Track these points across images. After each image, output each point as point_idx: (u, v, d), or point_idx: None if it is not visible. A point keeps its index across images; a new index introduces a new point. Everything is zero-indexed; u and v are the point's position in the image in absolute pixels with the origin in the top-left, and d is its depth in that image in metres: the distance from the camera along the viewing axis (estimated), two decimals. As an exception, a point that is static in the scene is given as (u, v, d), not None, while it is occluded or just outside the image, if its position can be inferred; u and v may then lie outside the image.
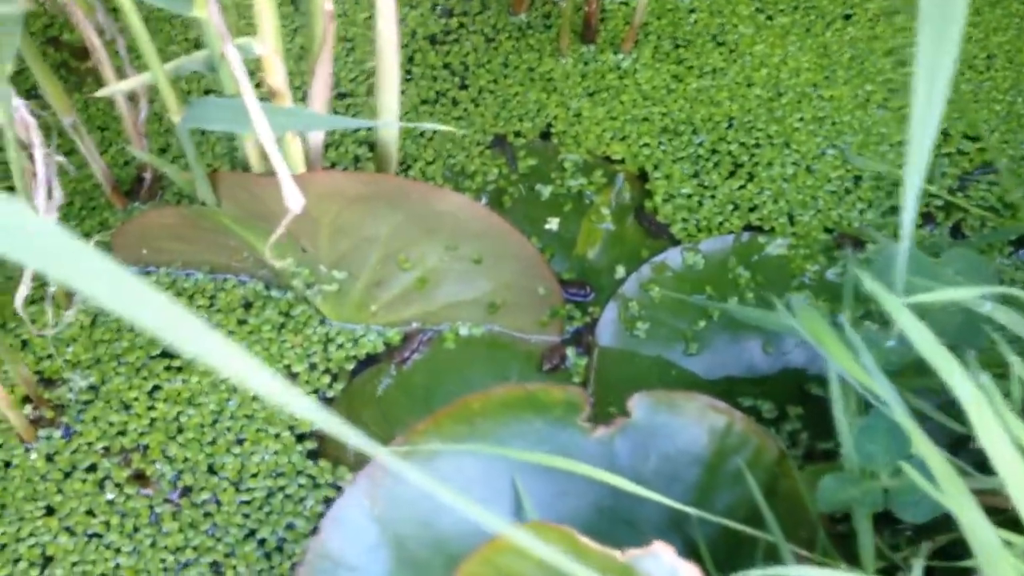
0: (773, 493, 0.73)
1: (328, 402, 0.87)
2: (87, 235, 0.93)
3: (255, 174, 0.80)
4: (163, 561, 0.80)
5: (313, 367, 0.88)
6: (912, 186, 0.46)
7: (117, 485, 0.83)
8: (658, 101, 1.04)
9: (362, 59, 1.06)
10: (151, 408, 0.86)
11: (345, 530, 0.70)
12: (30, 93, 0.97)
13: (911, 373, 0.76)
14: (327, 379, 0.88)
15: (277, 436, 0.85)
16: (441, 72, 1.06)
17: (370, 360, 0.89)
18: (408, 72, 1.06)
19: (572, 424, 0.73)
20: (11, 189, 0.94)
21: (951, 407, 0.79)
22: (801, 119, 1.03)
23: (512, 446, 0.72)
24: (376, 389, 0.88)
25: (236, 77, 0.67)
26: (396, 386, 0.88)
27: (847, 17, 1.11)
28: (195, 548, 0.81)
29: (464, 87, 1.05)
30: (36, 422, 0.85)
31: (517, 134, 1.02)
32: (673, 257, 0.95)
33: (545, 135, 1.02)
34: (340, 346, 0.89)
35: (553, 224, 0.97)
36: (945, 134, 1.03)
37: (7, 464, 0.84)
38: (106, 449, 0.84)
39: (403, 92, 1.03)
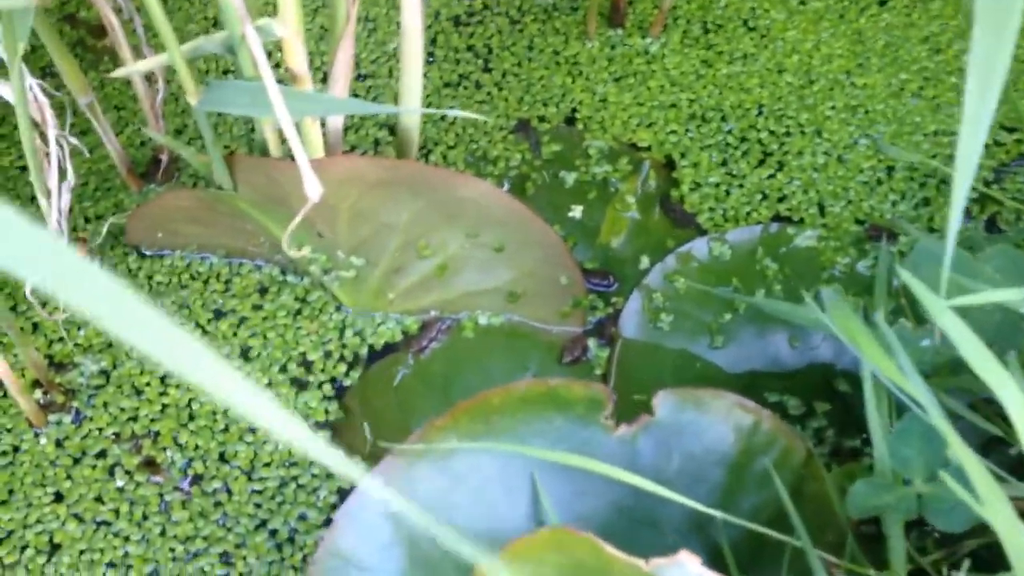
0: (800, 495, 0.70)
1: (344, 391, 0.85)
2: (101, 217, 0.91)
3: (273, 158, 0.78)
4: (172, 551, 0.79)
5: (328, 355, 0.86)
6: (962, 185, 0.44)
7: (127, 472, 0.81)
8: (686, 87, 1.02)
9: (384, 40, 1.04)
10: (163, 394, 0.84)
11: (358, 528, 0.69)
12: (45, 71, 0.95)
13: (945, 372, 0.73)
14: (343, 367, 0.86)
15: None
16: (464, 54, 1.04)
17: (387, 348, 0.87)
18: (431, 54, 1.03)
19: (594, 422, 0.71)
20: (23, 169, 0.93)
21: (984, 406, 0.77)
22: (833, 107, 1.00)
23: (531, 444, 0.70)
24: (393, 378, 0.86)
25: (255, 59, 0.64)
26: (413, 375, 0.87)
27: (882, 3, 1.08)
28: (205, 538, 0.79)
29: (488, 70, 1.03)
30: (46, 407, 0.83)
31: (541, 119, 1.00)
32: (699, 247, 0.92)
33: (570, 120, 1.00)
34: (357, 333, 0.87)
35: (577, 212, 0.94)
36: (981, 125, 1.00)
37: (16, 449, 0.82)
38: (116, 435, 0.83)
39: (425, 75, 1.01)
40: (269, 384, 0.85)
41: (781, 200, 0.95)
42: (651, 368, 0.87)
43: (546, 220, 0.86)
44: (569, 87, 1.01)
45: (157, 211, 0.85)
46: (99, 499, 0.81)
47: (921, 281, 0.73)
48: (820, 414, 0.85)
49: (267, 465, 0.82)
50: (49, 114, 0.68)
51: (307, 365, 0.86)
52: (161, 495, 0.81)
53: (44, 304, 0.86)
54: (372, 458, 0.81)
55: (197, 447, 0.83)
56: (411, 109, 0.78)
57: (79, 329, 0.86)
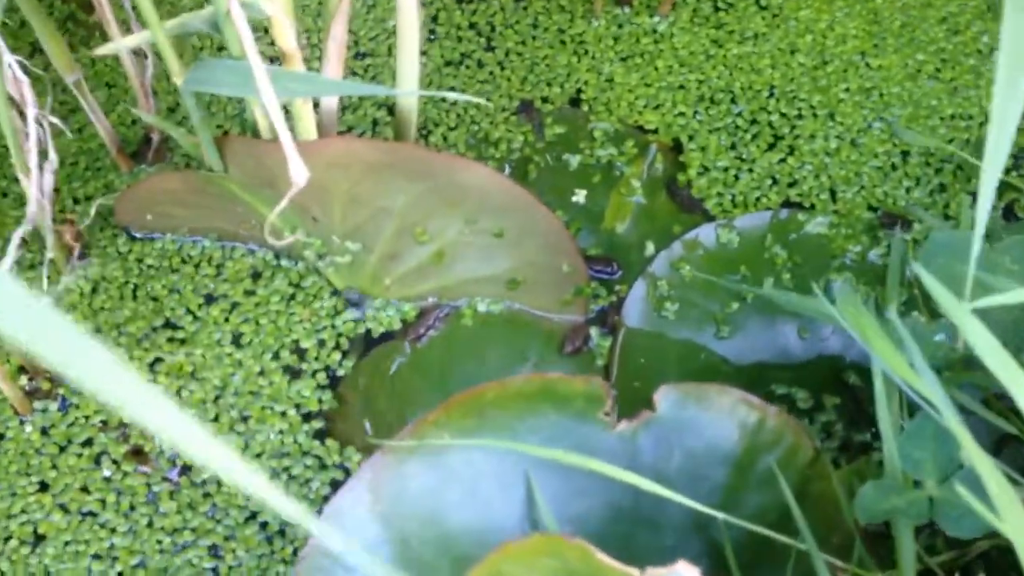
0: (806, 495, 0.68)
1: (338, 380, 0.83)
2: (90, 198, 0.88)
3: (264, 140, 0.75)
4: (159, 543, 0.77)
5: (323, 342, 0.84)
6: (990, 179, 0.41)
7: (114, 461, 0.79)
8: (695, 68, 0.98)
9: (383, 17, 1.00)
10: (152, 381, 0.82)
11: (345, 526, 0.66)
12: (35, 48, 0.92)
13: (959, 367, 0.71)
14: (337, 355, 0.83)
15: (283, 415, 0.81)
16: (466, 32, 1.01)
17: (384, 336, 0.85)
18: (432, 32, 1.00)
19: (592, 418, 0.69)
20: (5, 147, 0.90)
21: (997, 401, 0.74)
22: (847, 89, 0.97)
23: (527, 440, 0.67)
24: (389, 367, 0.84)
25: (241, 38, 0.62)
26: (410, 364, 0.84)
27: (899, -18, 1.04)
28: (193, 530, 0.77)
29: (490, 49, 1.00)
30: (32, 394, 0.81)
31: (545, 100, 0.97)
32: (706, 234, 0.89)
33: (574, 102, 0.97)
34: (352, 321, 0.85)
35: (580, 196, 0.92)
36: (1000, 109, 0.97)
37: (0, 437, 0.80)
38: (104, 423, 0.81)
39: (426, 53, 0.98)
40: (261, 372, 0.82)
41: (792, 185, 0.93)
42: (655, 359, 0.84)
43: (548, 205, 0.83)
44: (574, 67, 0.98)
45: (146, 193, 0.83)
46: (85, 489, 0.78)
47: (936, 274, 0.70)
48: (829, 407, 0.82)
49: (258, 456, 0.80)
50: (28, 93, 0.65)
51: (300, 353, 0.84)
52: (149, 485, 0.79)
53: (30, 288, 0.83)
54: (368, 450, 0.79)
55: (186, 436, 0.80)
56: (406, 92, 0.76)
57: (67, 313, 0.84)
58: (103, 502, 0.78)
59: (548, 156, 0.94)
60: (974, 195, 0.92)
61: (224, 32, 0.64)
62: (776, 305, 0.84)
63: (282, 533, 0.77)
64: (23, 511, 0.77)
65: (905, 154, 0.94)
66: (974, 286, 0.67)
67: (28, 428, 0.80)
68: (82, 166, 0.90)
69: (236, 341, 0.84)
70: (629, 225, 0.91)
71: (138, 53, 0.84)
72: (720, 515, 0.62)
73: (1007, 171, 0.93)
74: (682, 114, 0.96)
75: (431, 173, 0.77)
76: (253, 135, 0.77)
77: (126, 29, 0.83)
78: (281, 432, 0.80)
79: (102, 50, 0.67)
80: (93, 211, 0.85)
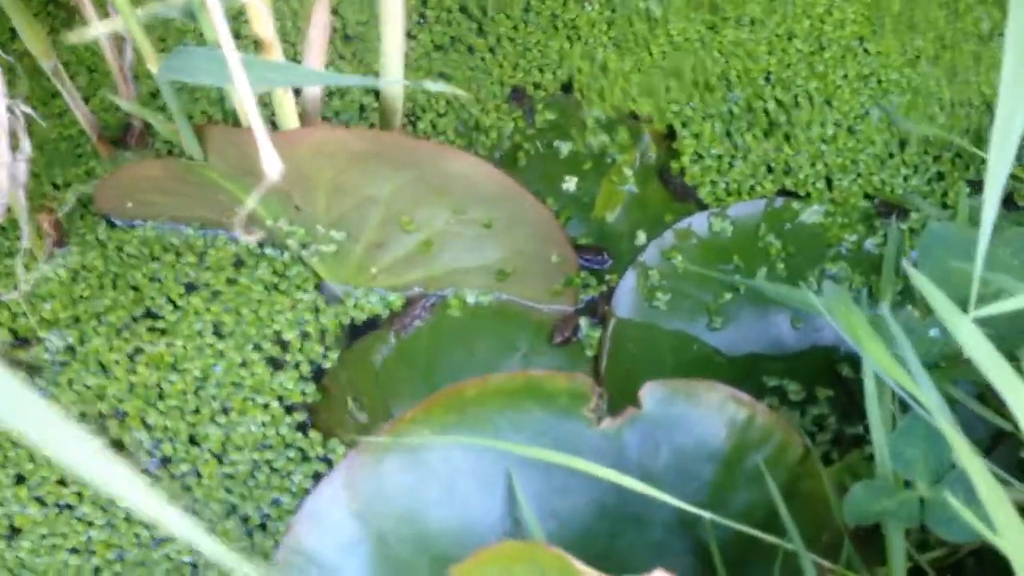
0: (795, 493, 0.66)
1: (322, 372, 0.81)
2: (70, 184, 0.87)
3: (245, 128, 0.73)
4: (137, 536, 0.75)
5: (306, 334, 0.82)
6: (999, 174, 0.39)
7: (94, 454, 0.78)
8: (690, 53, 0.96)
9: None
10: (131, 372, 0.80)
11: (321, 525, 0.65)
12: (14, 33, 0.90)
13: (954, 362, 0.69)
14: (321, 347, 0.82)
15: (265, 406, 0.80)
16: (457, 16, 0.98)
17: (369, 326, 0.83)
18: (421, 15, 0.98)
19: (576, 415, 0.67)
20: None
21: (993, 397, 0.72)
22: (844, 76, 0.95)
23: (509, 438, 0.65)
24: (374, 358, 0.82)
25: (215, 25, 0.60)
26: (395, 355, 0.83)
27: (899, -35, 1.02)
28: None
29: (481, 33, 0.98)
30: (9, 384, 0.80)
31: (536, 86, 0.95)
32: (699, 223, 0.88)
33: (567, 88, 0.95)
34: (337, 310, 0.83)
35: (571, 184, 0.90)
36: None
37: (-23, 428, 0.79)
38: (82, 414, 0.79)
39: (415, 37, 0.96)
40: (243, 363, 0.81)
41: (787, 173, 0.91)
42: (646, 350, 0.83)
43: (538, 192, 0.82)
44: (567, 53, 0.96)
45: (126, 181, 0.81)
46: (62, 482, 0.77)
47: (931, 269, 0.69)
48: (822, 400, 0.81)
49: (239, 448, 0.78)
50: (-1, 80, 0.63)
51: (283, 344, 0.82)
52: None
53: (8, 275, 0.82)
54: (352, 444, 0.78)
55: (166, 428, 0.79)
56: (387, 82, 0.74)
57: (45, 302, 0.82)
58: (80, 495, 0.77)
59: (539, 143, 0.92)
60: (973, 183, 0.90)
61: (199, 19, 0.62)
62: (769, 296, 0.83)
63: (263, 527, 0.76)
64: None
65: (903, 142, 0.92)
66: (967, 276, 0.65)
67: (6, 419, 0.79)
68: (62, 152, 0.89)
69: (218, 331, 0.82)
70: (620, 214, 0.89)
71: (118, 38, 0.82)
72: (707, 514, 0.60)
73: (1007, 160, 0.91)
74: (676, 101, 0.94)
75: (417, 162, 0.76)
76: (235, 123, 0.75)
77: (104, 13, 0.81)
78: (263, 424, 0.79)
79: (75, 36, 0.65)
80: (72, 198, 0.83)
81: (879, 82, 0.95)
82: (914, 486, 0.59)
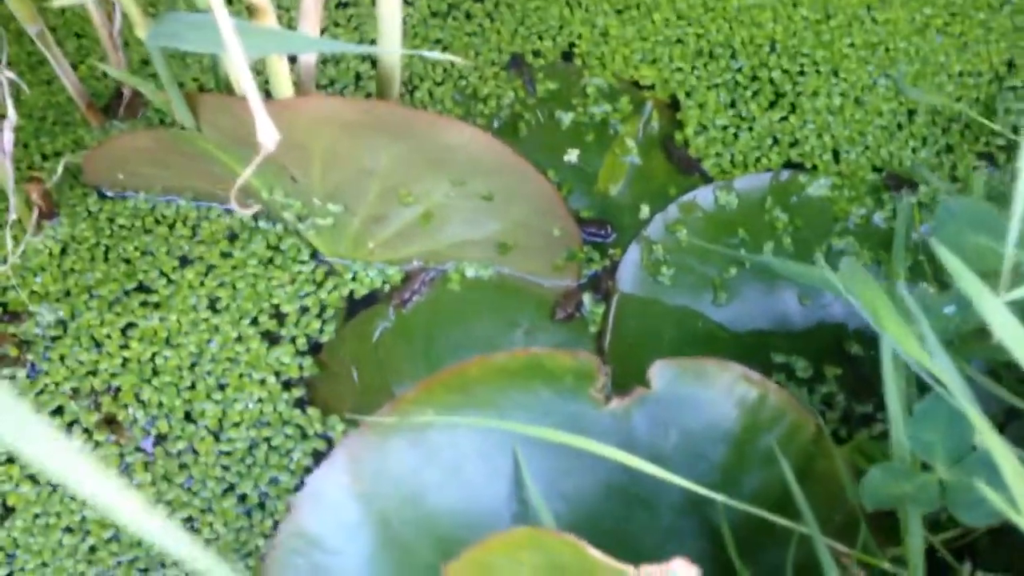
0: (808, 474, 0.65)
1: (319, 347, 0.79)
2: (59, 154, 0.84)
3: (239, 97, 0.71)
4: (133, 518, 0.73)
5: (304, 308, 0.80)
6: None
7: (85, 431, 0.76)
8: (694, 20, 0.94)
9: (369, -36, 0.96)
10: (124, 347, 0.78)
11: (323, 507, 0.63)
12: (0, -4, 0.88)
13: (971, 340, 0.67)
14: (318, 321, 0.80)
15: (262, 382, 0.78)
16: (455, -19, 0.96)
17: (367, 300, 0.81)
18: (419, -20, 0.96)
19: (583, 394, 0.65)
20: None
21: (1007, 373, 0.71)
22: (851, 45, 0.93)
23: (514, 418, 0.64)
24: (372, 333, 0.80)
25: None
26: (394, 331, 0.81)
27: (907, -69, 1.00)
28: (168, 502, 0.74)
29: (480, -1, 0.95)
30: (-1, 360, 0.78)
31: (536, 54, 0.92)
32: (704, 196, 0.86)
33: (567, 56, 0.93)
34: (334, 284, 0.81)
35: (573, 156, 0.88)
36: (1010, 65, 0.93)
37: (-34, 406, 0.77)
38: (74, 391, 0.77)
39: (411, 3, 0.94)
40: (239, 338, 0.79)
41: (793, 145, 0.89)
42: (650, 326, 0.81)
43: (539, 165, 0.79)
44: (567, 19, 0.94)
45: (116, 151, 0.79)
46: (54, 461, 0.75)
47: (947, 244, 0.67)
48: (830, 378, 0.79)
49: (236, 425, 0.77)
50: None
51: (280, 318, 0.80)
52: (122, 456, 0.76)
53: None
54: (351, 421, 0.76)
55: (161, 404, 0.77)
56: (384, 50, 0.71)
57: (35, 275, 0.80)
58: (73, 474, 0.75)
59: (539, 113, 0.89)
60: (982, 156, 0.88)
61: (193, -18, 0.60)
62: (776, 270, 0.81)
63: (261, 506, 0.74)
64: (-10, 483, 0.74)
65: (911, 113, 0.90)
66: (984, 253, 0.63)
67: (-5, 396, 0.77)
68: (50, 121, 0.86)
69: (212, 305, 0.80)
70: (623, 186, 0.87)
71: (107, 3, 0.79)
72: (719, 497, 0.59)
73: (1017, 130, 0.89)
74: (680, 69, 0.92)
75: (412, 133, 0.74)
76: (228, 91, 0.73)
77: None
78: (260, 400, 0.77)
79: (59, 0, 0.62)
80: (61, 168, 0.81)
81: (887, 51, 0.93)
82: (933, 469, 0.57)
